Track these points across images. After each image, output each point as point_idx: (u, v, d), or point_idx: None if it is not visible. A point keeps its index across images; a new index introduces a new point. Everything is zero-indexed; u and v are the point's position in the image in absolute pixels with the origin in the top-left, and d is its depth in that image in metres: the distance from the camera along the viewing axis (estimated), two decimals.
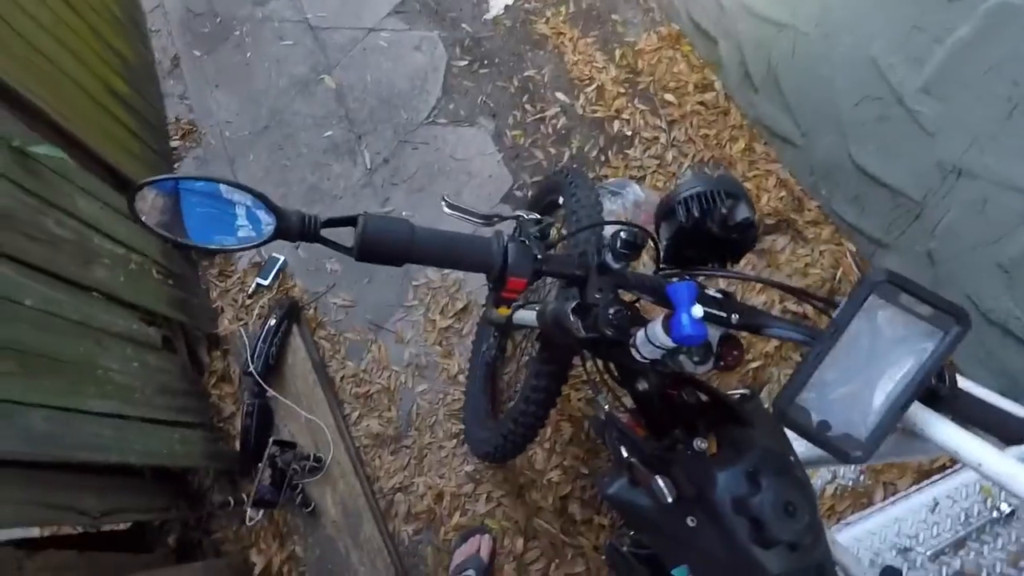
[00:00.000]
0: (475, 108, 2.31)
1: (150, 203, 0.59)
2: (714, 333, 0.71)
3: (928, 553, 1.14)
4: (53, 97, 1.72)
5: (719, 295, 0.72)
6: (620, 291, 0.76)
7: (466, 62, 2.42)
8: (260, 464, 1.60)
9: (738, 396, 0.82)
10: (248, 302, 2.08)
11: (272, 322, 1.87)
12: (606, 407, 0.99)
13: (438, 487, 1.75)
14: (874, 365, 0.62)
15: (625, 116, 2.17)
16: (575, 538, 1.63)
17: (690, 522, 0.73)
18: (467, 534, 1.65)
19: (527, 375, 1.19)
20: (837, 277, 1.78)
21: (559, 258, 0.65)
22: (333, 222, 0.61)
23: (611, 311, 0.69)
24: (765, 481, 0.66)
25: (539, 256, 0.62)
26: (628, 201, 1.95)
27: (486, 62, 2.41)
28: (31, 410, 1.22)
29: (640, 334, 0.71)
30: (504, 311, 0.75)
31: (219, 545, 1.76)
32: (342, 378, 1.94)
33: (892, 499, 1.25)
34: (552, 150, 2.17)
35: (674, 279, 0.72)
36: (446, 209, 0.76)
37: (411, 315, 1.99)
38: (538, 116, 2.24)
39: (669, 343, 0.67)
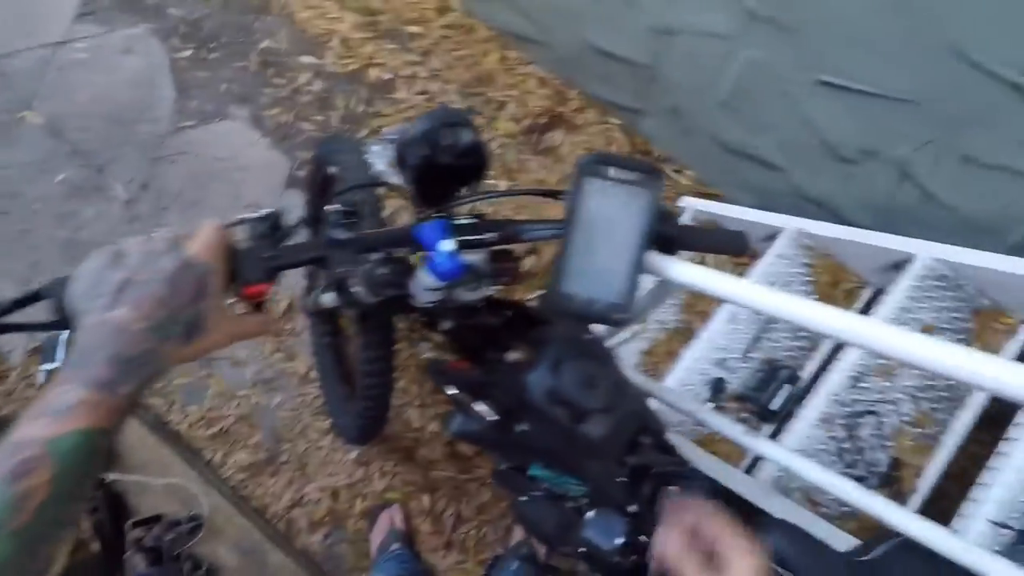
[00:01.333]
0: (220, 99, 2.11)
1: None
2: (480, 256, 0.75)
3: (738, 356, 1.36)
4: None
5: (471, 220, 0.76)
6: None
7: (191, 51, 2.17)
8: (125, 555, 1.46)
9: (535, 300, 0.89)
10: (35, 392, 1.80)
11: None
12: (428, 355, 1.03)
13: (331, 486, 1.72)
14: (611, 235, 0.70)
15: (379, 61, 2.11)
16: (472, 472, 1.71)
17: (522, 427, 0.80)
18: (374, 515, 1.66)
19: (358, 349, 1.19)
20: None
21: (293, 248, 0.63)
22: (16, 304, 0.53)
23: (375, 273, 0.69)
24: (565, 367, 0.73)
25: (268, 255, 0.60)
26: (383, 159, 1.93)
27: (213, 45, 2.18)
28: None
29: (414, 283, 0.73)
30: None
31: None
32: (189, 426, 1.78)
33: (704, 326, 1.46)
34: (319, 117, 2.06)
35: (425, 222, 0.74)
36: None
37: None
38: (291, 87, 2.10)
39: (438, 282, 0.69)
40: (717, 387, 1.37)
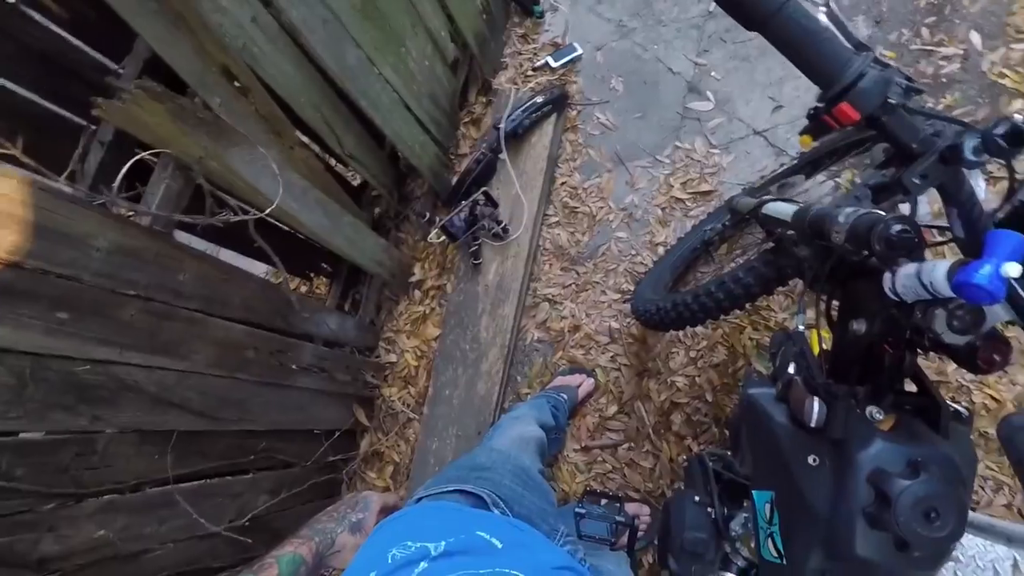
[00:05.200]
0: (863, 2, 1.94)
1: None
2: (998, 315, 0.58)
3: None
4: None
5: None
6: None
7: None
8: (464, 202, 1.77)
9: (952, 408, 0.70)
10: (530, 73, 2.14)
11: (539, 100, 1.92)
12: (801, 327, 0.91)
13: (579, 320, 1.82)
14: None
15: None
16: (660, 440, 1.63)
17: (811, 460, 0.68)
18: (577, 369, 1.73)
19: (737, 266, 1.11)
20: None
21: (907, 120, 0.55)
22: None
23: (896, 227, 0.58)
24: (926, 475, 0.57)
25: (892, 101, 0.53)
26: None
27: None
28: (352, 45, 1.43)
29: (910, 267, 0.60)
30: (807, 141, 0.68)
31: (399, 243, 2.05)
32: (563, 184, 1.99)
33: None
34: (928, 100, 1.78)
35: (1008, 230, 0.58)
36: (822, 8, 0.66)
37: (656, 169, 1.93)
38: (929, 47, 1.82)
39: (942, 290, 0.56)
40: None
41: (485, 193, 1.79)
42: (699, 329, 1.70)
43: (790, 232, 0.93)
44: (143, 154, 0.96)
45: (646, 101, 2.03)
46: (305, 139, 1.60)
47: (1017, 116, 0.53)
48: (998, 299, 0.51)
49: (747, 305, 1.11)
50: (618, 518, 1.16)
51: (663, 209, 1.87)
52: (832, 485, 0.63)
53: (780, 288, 1.08)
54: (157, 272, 1.08)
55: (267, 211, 1.17)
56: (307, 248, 1.87)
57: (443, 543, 0.49)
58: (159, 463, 1.16)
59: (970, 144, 0.53)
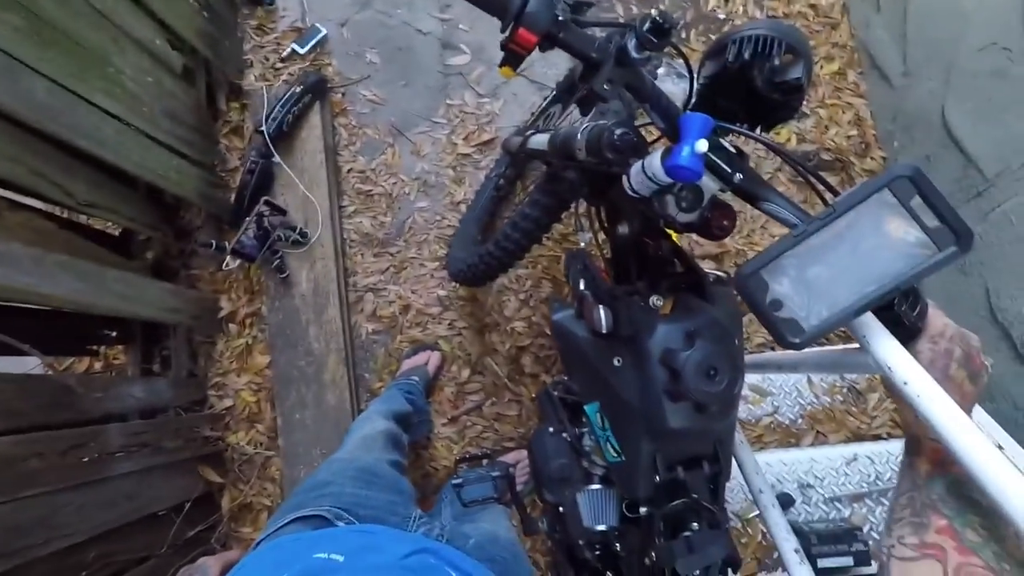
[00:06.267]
0: None
1: None
2: (710, 187, 0.66)
3: (826, 495, 1.18)
4: None
5: (733, 150, 0.67)
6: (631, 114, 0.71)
7: None
8: (248, 218, 1.62)
9: (712, 277, 0.80)
10: (279, 65, 1.99)
11: (296, 90, 1.80)
12: (583, 244, 0.97)
13: (407, 300, 1.79)
14: (853, 261, 0.58)
15: None
16: (517, 386, 1.69)
17: (616, 362, 0.74)
18: (419, 348, 1.72)
19: (522, 203, 1.16)
20: None
21: (581, 34, 0.59)
22: None
23: (617, 132, 0.64)
24: (700, 343, 0.65)
25: (561, 18, 0.56)
26: (674, 87, 1.80)
27: None
28: (35, 76, 1.20)
29: (637, 164, 0.66)
30: (507, 72, 0.70)
31: (195, 281, 1.84)
32: (349, 170, 1.92)
33: (818, 441, 1.28)
34: (633, 7, 1.97)
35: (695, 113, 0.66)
36: None
37: (435, 131, 1.92)
38: None
39: (662, 176, 0.62)
40: (784, 500, 1.22)
41: (267, 202, 1.65)
42: (521, 271, 1.77)
43: (553, 159, 0.99)
44: None
45: (406, 67, 2.00)
46: (33, 199, 1.34)
47: (655, 11, 0.59)
48: (700, 173, 0.59)
49: (544, 236, 1.17)
50: (493, 473, 1.19)
51: (454, 168, 1.88)
52: (638, 376, 0.70)
53: (565, 212, 1.16)
54: None
55: None
56: (78, 320, 1.60)
57: None
58: None
59: (631, 44, 0.59)
